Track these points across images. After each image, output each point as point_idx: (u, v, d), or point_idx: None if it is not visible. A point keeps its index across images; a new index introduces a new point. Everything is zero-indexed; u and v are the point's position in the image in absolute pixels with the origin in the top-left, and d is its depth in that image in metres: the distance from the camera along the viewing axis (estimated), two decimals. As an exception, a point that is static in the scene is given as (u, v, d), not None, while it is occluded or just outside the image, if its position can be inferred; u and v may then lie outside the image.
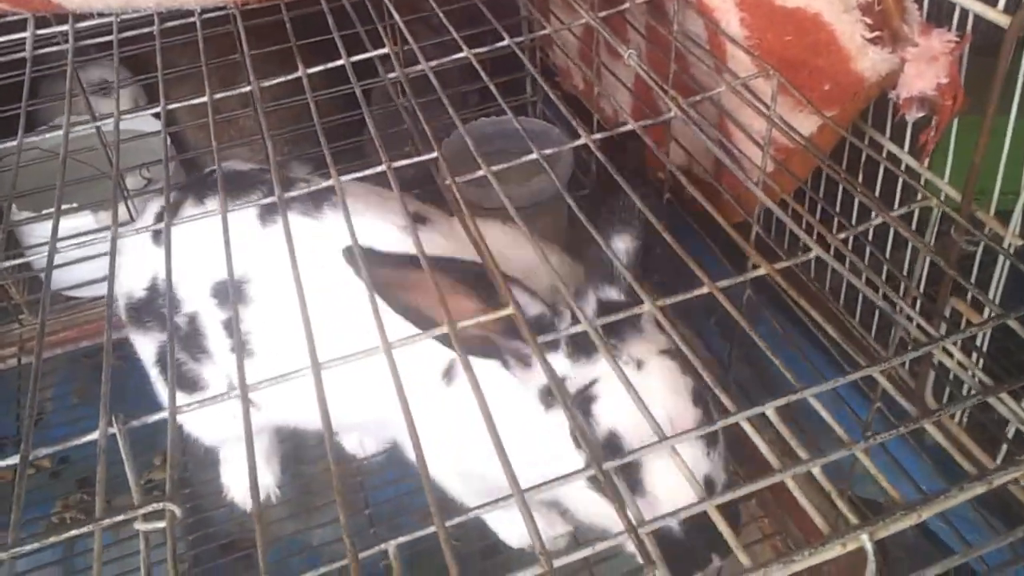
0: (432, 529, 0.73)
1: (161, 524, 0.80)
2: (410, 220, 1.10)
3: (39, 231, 2.34)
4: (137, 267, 1.64)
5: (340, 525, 0.72)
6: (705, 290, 0.97)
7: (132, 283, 1.66)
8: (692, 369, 1.21)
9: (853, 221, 1.07)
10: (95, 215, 2.29)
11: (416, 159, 1.22)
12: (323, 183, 1.59)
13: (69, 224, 2.25)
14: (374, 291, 1.01)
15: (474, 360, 1.06)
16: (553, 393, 1.23)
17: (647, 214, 1.17)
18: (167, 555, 0.78)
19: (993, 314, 0.85)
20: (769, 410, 0.82)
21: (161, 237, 1.55)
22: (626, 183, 1.26)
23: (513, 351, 1.25)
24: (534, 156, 1.25)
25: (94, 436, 0.89)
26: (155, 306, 1.63)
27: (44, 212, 2.28)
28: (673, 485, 1.15)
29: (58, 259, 2.42)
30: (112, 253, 1.20)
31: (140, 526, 0.80)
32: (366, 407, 1.39)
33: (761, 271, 0.99)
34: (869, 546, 0.72)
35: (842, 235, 1.00)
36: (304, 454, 2.13)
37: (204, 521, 2.01)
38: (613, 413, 1.19)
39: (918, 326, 0.88)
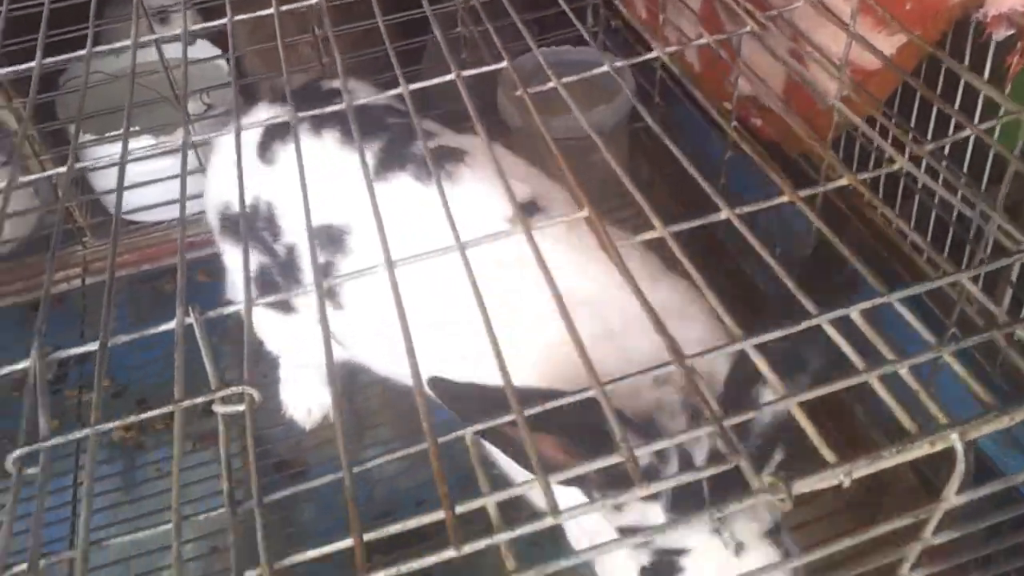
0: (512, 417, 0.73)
1: (240, 407, 0.81)
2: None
3: (101, 154, 2.37)
4: (229, 179, 1.62)
5: (392, 449, 0.71)
6: (785, 198, 0.95)
7: (232, 195, 1.63)
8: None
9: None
10: (156, 139, 2.31)
11: (484, 68, 1.20)
12: (451, 141, 1.54)
13: (131, 148, 2.28)
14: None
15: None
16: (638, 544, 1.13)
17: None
18: (246, 438, 0.79)
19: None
20: (854, 313, 0.80)
21: (267, 155, 1.58)
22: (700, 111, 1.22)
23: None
24: (599, 74, 1.22)
25: (171, 325, 0.90)
26: (256, 226, 1.60)
27: (108, 135, 2.31)
28: None
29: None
30: (183, 168, 1.20)
31: (218, 409, 0.81)
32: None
33: (843, 181, 0.96)
34: (959, 445, 0.70)
35: (929, 146, 0.97)
36: (356, 381, 2.16)
37: (258, 441, 2.06)
38: None
39: (1005, 233, 0.85)
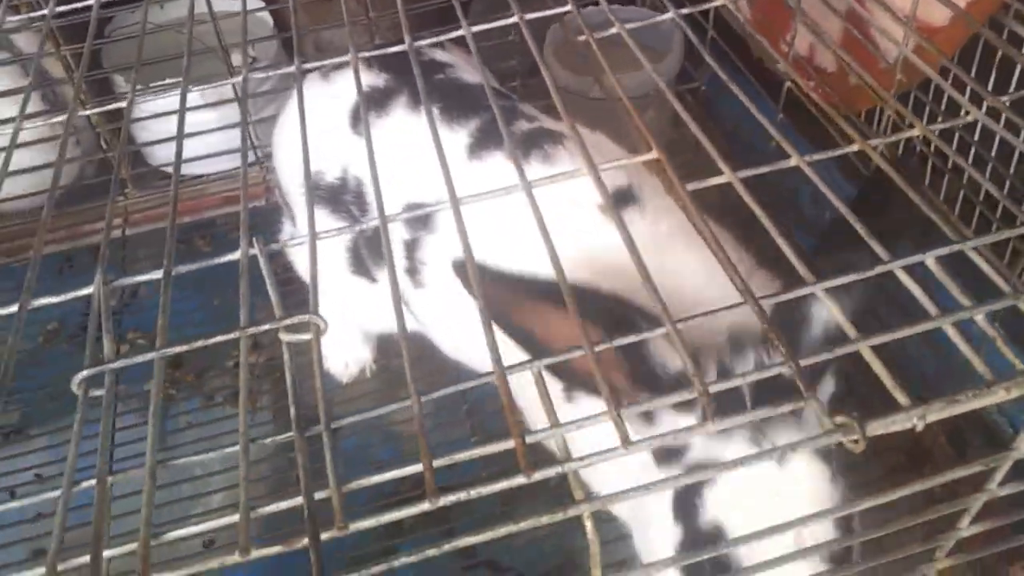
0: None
1: (307, 336, 0.81)
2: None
3: (146, 105, 2.38)
4: (329, 149, 1.56)
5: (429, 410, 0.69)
6: (856, 147, 0.94)
7: (320, 163, 1.57)
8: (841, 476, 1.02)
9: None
10: (201, 92, 2.32)
11: (549, 12, 1.18)
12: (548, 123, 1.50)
13: (170, 101, 2.28)
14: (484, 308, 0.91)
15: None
16: (669, 456, 1.09)
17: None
18: (314, 367, 0.79)
19: None
20: (929, 260, 0.79)
21: (360, 126, 1.52)
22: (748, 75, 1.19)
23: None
24: (647, 35, 1.19)
25: (236, 255, 0.91)
26: (344, 198, 1.56)
27: (153, 85, 2.31)
28: None
29: (161, 134, 2.47)
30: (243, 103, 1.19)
31: (284, 336, 0.82)
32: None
33: (915, 131, 0.94)
34: (1036, 392, 0.69)
35: (1005, 97, 0.95)
36: (389, 348, 2.15)
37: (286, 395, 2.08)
38: (725, 507, 1.00)
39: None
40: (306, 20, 2.45)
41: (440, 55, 1.64)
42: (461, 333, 1.49)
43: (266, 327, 0.82)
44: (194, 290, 2.36)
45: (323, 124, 1.52)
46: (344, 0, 2.01)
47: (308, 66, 1.27)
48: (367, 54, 1.17)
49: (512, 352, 1.14)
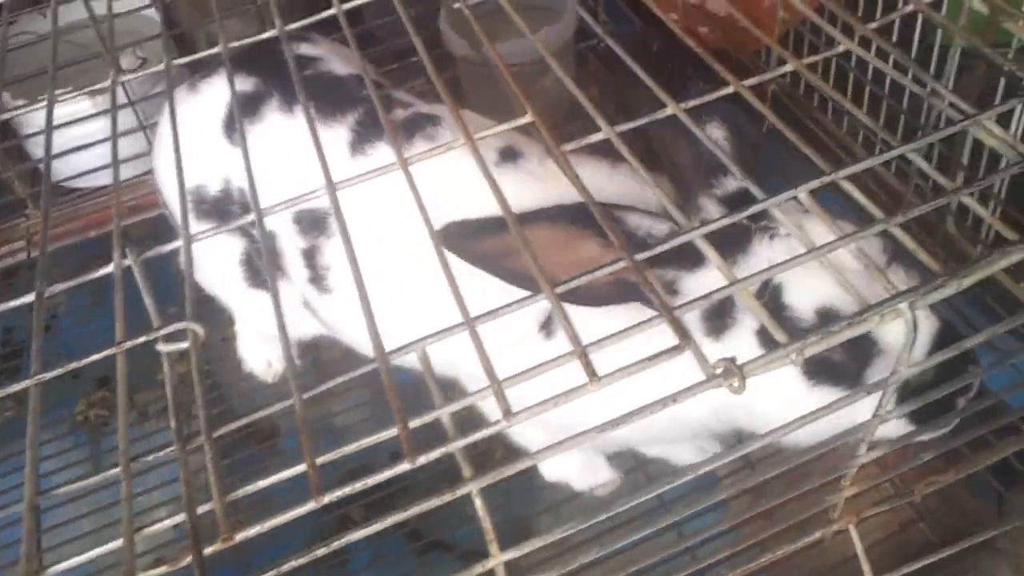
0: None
1: (184, 344, 0.79)
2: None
3: (36, 120, 2.29)
4: (205, 161, 1.50)
5: (362, 409, 0.68)
6: (731, 89, 0.93)
7: (199, 177, 1.52)
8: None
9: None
10: (92, 99, 2.23)
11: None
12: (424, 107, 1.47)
13: (65, 111, 2.20)
14: (479, 267, 0.95)
15: (613, 311, 0.98)
16: (718, 312, 1.12)
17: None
18: (193, 375, 0.77)
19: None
20: (802, 194, 0.79)
21: (235, 136, 1.46)
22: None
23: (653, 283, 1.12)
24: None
25: (109, 269, 0.87)
26: (231, 210, 1.49)
27: (40, 99, 2.22)
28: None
29: (57, 147, 2.38)
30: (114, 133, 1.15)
31: (162, 347, 0.79)
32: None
33: (789, 67, 0.94)
34: (908, 315, 0.70)
35: (874, 24, 0.95)
36: (322, 340, 2.11)
37: (220, 400, 2.04)
38: (809, 289, 1.04)
39: (952, 106, 0.84)
40: (193, 14, 2.37)
41: (306, 48, 1.57)
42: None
43: (142, 339, 0.80)
44: (109, 303, 2.28)
45: (198, 137, 1.47)
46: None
47: (179, 61, 1.23)
48: (236, 44, 1.13)
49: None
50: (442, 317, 0.74)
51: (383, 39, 2.28)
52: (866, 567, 0.92)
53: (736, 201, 1.17)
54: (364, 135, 1.40)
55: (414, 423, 0.68)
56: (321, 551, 0.64)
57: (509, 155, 1.38)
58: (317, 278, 1.44)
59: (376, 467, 0.66)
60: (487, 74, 2.08)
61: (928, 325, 1.02)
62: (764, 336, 1.09)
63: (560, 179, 1.18)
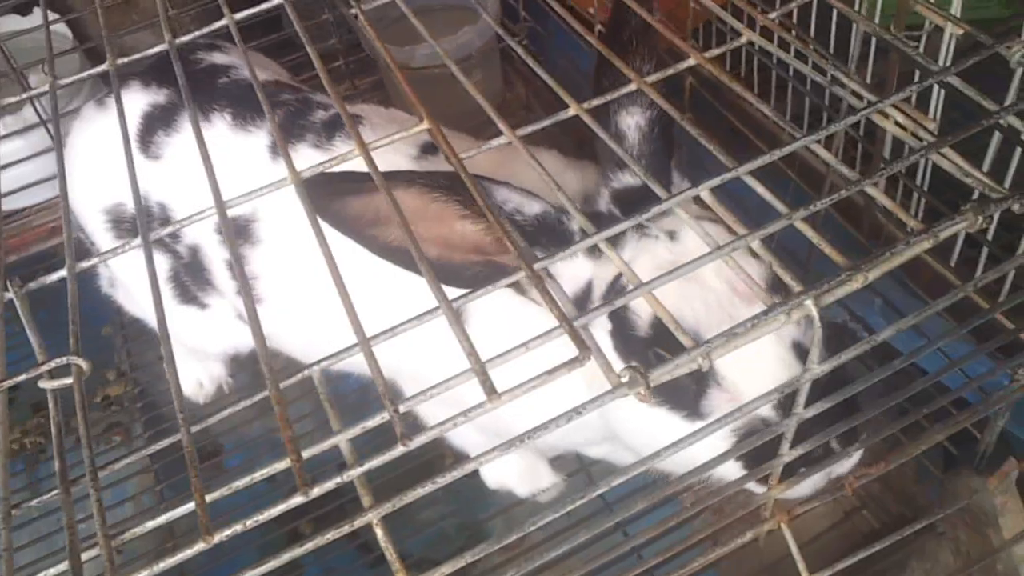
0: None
1: (68, 380, 0.74)
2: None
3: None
4: (120, 177, 1.47)
5: (307, 422, 0.65)
6: (634, 87, 0.91)
7: (116, 194, 1.49)
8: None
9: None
10: (2, 121, 2.16)
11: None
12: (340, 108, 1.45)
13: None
14: (345, 233, 0.90)
15: (488, 298, 0.96)
16: (582, 302, 1.11)
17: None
18: (77, 412, 0.73)
19: (927, 74, 0.80)
20: (704, 192, 0.77)
21: (151, 149, 1.43)
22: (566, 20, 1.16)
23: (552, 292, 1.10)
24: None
25: (-12, 303, 0.82)
26: (149, 226, 1.46)
27: (-54, 121, 2.14)
28: (753, 363, 0.96)
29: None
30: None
31: (45, 384, 0.75)
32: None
33: (691, 61, 0.92)
34: (814, 311, 0.68)
35: (774, 15, 0.94)
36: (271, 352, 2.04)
37: (160, 419, 1.98)
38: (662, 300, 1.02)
39: (856, 95, 0.83)
40: (103, 26, 2.30)
41: (219, 57, 1.55)
42: (312, 331, 1.43)
43: (22, 377, 0.75)
44: (49, 333, 2.21)
45: (111, 154, 1.41)
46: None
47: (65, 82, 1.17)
48: (126, 59, 1.08)
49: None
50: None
51: (301, 44, 2.24)
52: (801, 565, 0.90)
53: (633, 194, 1.15)
54: (283, 137, 1.36)
55: (307, 453, 0.65)
56: (268, 566, 0.60)
57: (431, 148, 1.37)
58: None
59: (325, 477, 0.63)
60: (411, 75, 2.04)
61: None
62: (618, 335, 1.07)
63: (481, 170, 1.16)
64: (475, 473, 1.69)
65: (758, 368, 0.96)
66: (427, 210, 0.99)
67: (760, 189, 0.77)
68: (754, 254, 1.02)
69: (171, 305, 1.56)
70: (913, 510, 1.37)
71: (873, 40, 1.38)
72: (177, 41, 1.08)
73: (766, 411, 0.96)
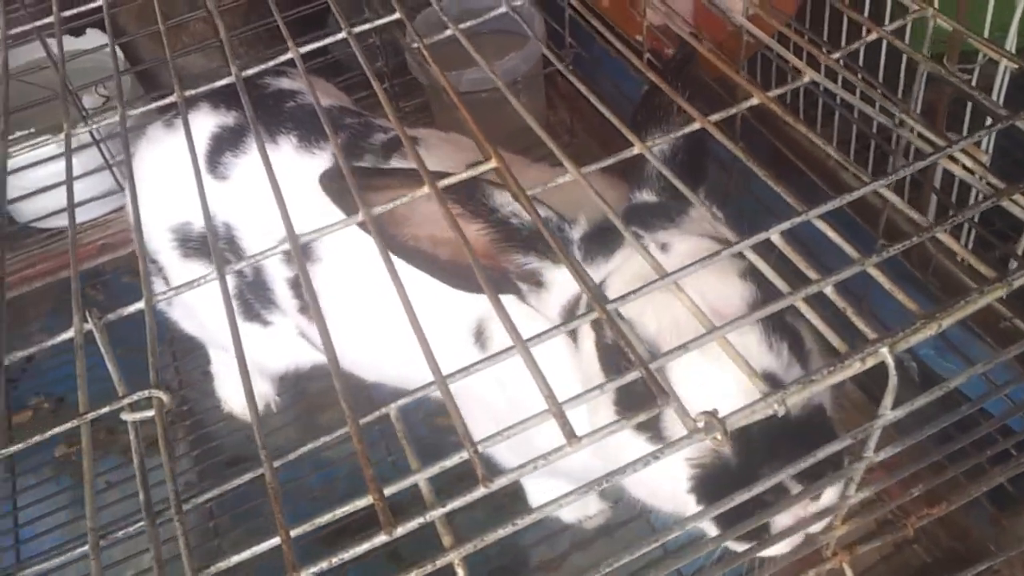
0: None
1: (149, 413, 0.76)
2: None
3: (-1, 162, 2.25)
4: (188, 196, 1.46)
5: (349, 438, 0.65)
6: (697, 126, 0.92)
7: (184, 213, 1.53)
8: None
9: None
10: (41, 139, 2.20)
11: (377, 22, 1.14)
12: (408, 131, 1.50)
13: (29, 154, 2.16)
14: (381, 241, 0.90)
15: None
16: (572, 310, 1.12)
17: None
18: (160, 443, 0.75)
19: (997, 119, 0.80)
20: (774, 235, 0.77)
21: (218, 170, 1.48)
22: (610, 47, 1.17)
23: (523, 274, 1.13)
24: (509, 22, 1.17)
25: (69, 334, 0.85)
26: (217, 246, 1.48)
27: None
28: (716, 388, 0.93)
29: (23, 190, 2.34)
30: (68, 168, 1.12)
31: (127, 416, 0.77)
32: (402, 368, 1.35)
33: (754, 100, 0.93)
34: (889, 359, 0.69)
35: (837, 55, 0.94)
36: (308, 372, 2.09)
37: (207, 438, 2.00)
38: (627, 307, 0.97)
39: (920, 136, 0.84)
40: (156, 49, 2.35)
41: (286, 83, 1.60)
42: (369, 351, 1.45)
43: (106, 409, 0.77)
44: (93, 344, 2.25)
45: (178, 174, 1.44)
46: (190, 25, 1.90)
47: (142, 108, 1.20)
48: (193, 92, 1.11)
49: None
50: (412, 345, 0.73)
51: (349, 67, 2.27)
52: (859, 603, 0.90)
53: (644, 210, 1.16)
54: (347, 159, 1.40)
55: (389, 491, 0.66)
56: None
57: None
58: (305, 307, 1.45)
59: (356, 495, 0.65)
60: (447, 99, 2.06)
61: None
62: (604, 352, 1.07)
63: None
64: (520, 496, 1.70)
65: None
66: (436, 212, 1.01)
67: (831, 234, 0.78)
68: (743, 275, 1.02)
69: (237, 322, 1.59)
70: (965, 544, 1.36)
71: (923, 80, 1.37)
72: (244, 73, 1.11)
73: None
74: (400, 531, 0.63)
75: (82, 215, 2.28)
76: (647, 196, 1.20)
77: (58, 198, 2.21)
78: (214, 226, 1.50)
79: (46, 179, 2.17)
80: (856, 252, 0.76)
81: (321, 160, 1.44)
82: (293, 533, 0.65)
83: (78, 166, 2.18)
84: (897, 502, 0.89)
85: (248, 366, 1.86)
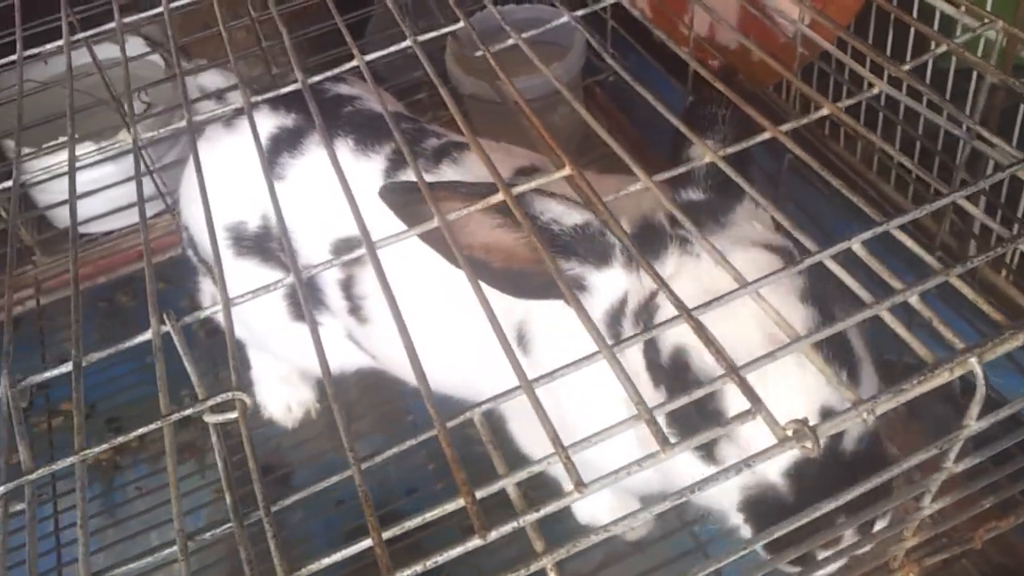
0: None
1: (232, 415, 0.77)
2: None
3: (39, 168, 2.28)
4: (244, 195, 1.51)
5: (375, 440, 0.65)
6: (768, 135, 0.92)
7: (238, 213, 1.54)
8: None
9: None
10: (97, 145, 2.22)
11: (441, 31, 1.15)
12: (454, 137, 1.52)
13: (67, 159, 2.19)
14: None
15: (539, 309, 0.95)
16: (616, 316, 1.12)
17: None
18: (244, 444, 0.75)
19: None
20: (856, 245, 0.78)
21: (276, 170, 1.48)
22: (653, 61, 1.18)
23: (568, 279, 1.12)
24: (549, 32, 1.18)
25: (147, 336, 0.86)
26: (270, 246, 1.52)
27: (45, 146, 2.21)
28: (787, 404, 0.91)
29: (63, 195, 2.36)
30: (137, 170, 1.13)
31: (209, 418, 0.77)
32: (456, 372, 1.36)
33: (824, 111, 0.94)
34: (978, 369, 0.69)
35: (906, 66, 0.94)
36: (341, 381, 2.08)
37: (238, 447, 2.00)
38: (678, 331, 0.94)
39: (989, 144, 0.84)
40: (200, 57, 2.37)
41: (344, 89, 1.62)
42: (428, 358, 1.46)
43: (189, 411, 0.78)
44: (126, 351, 2.26)
45: (236, 173, 1.47)
46: (231, 33, 1.92)
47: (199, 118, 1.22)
48: (258, 98, 1.12)
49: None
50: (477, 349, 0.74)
51: (386, 77, 2.29)
52: (924, 615, 0.90)
53: (690, 209, 1.15)
54: (399, 162, 1.45)
55: (481, 493, 0.66)
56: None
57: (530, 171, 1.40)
58: (355, 308, 1.45)
59: (394, 503, 0.65)
60: (494, 110, 2.08)
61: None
62: (654, 371, 1.07)
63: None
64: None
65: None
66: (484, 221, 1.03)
67: (910, 244, 0.78)
68: (804, 299, 1.00)
69: (285, 321, 1.61)
70: (1015, 560, 1.35)
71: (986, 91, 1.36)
72: (310, 80, 1.12)
73: None
74: (494, 535, 0.63)
75: (121, 221, 2.29)
76: (693, 194, 1.19)
77: (95, 204, 2.24)
78: (269, 226, 1.52)
79: (85, 185, 2.19)
80: (937, 263, 0.76)
81: (376, 164, 1.45)
82: (386, 535, 0.65)
83: (119, 172, 2.20)
84: (969, 513, 0.89)
85: (290, 369, 1.88)
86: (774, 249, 1.09)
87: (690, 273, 1.08)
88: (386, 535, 0.65)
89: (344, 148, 1.47)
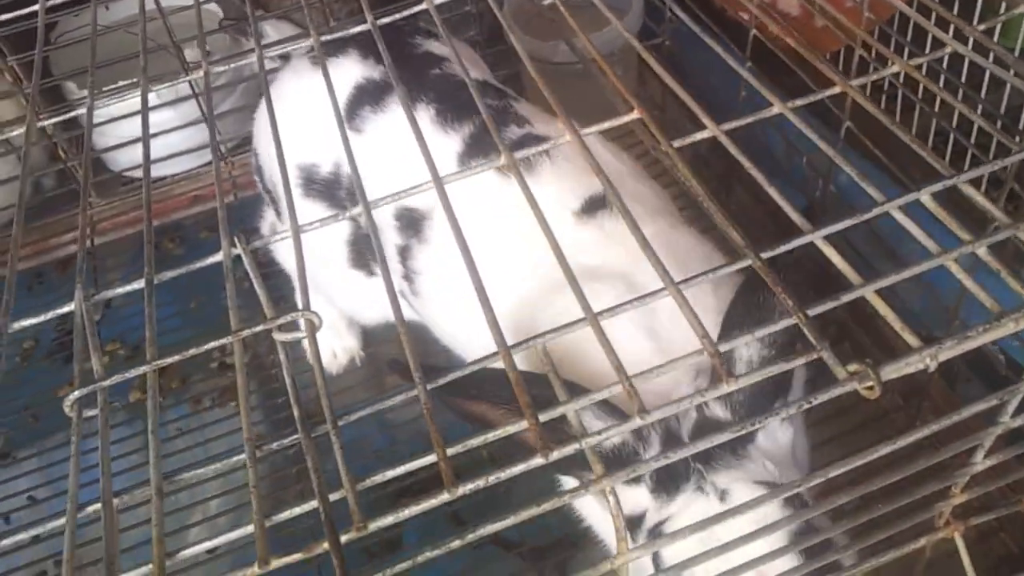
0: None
1: (301, 334, 0.79)
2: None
3: (101, 111, 2.31)
4: (319, 139, 1.47)
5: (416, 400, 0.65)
6: (838, 89, 0.92)
7: (312, 154, 1.51)
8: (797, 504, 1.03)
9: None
10: (157, 92, 2.25)
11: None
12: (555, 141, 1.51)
13: (129, 103, 2.22)
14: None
15: None
16: (635, 528, 1.13)
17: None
18: (313, 365, 0.77)
19: None
20: (925, 196, 0.78)
21: (355, 122, 1.44)
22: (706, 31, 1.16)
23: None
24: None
25: (218, 257, 0.88)
26: (339, 194, 1.49)
27: (107, 88, 2.25)
28: None
29: (120, 138, 2.40)
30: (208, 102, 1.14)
31: (278, 336, 0.79)
32: None
33: (895, 68, 0.93)
34: (1045, 322, 0.69)
35: (982, 26, 0.94)
36: (373, 336, 2.12)
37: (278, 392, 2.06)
38: (680, 554, 0.90)
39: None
40: (257, 6, 2.39)
41: (436, 47, 1.56)
42: (461, 330, 1.47)
43: (260, 328, 0.80)
44: (168, 294, 2.31)
45: (316, 115, 1.42)
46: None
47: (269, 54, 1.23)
48: (328, 37, 1.13)
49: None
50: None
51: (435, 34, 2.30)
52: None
53: (713, 428, 1.09)
54: (474, 149, 1.38)
55: (544, 416, 0.68)
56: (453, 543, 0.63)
57: (591, 206, 1.34)
58: (408, 278, 1.44)
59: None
60: (551, 70, 2.08)
61: None
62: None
63: (623, 245, 1.22)
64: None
65: None
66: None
67: (979, 198, 0.78)
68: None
69: (343, 267, 1.61)
70: (1055, 537, 1.35)
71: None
72: (380, 22, 1.13)
73: None
74: (556, 455, 0.65)
75: (175, 167, 2.34)
76: (721, 412, 1.14)
77: (152, 148, 2.28)
78: (340, 174, 1.50)
79: (138, 130, 2.22)
80: (1002, 217, 0.76)
81: (452, 143, 1.40)
82: (450, 452, 0.67)
83: (176, 118, 2.24)
84: (1017, 475, 0.89)
85: (339, 316, 1.89)
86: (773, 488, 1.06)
87: (693, 512, 1.08)
88: (450, 451, 0.67)
89: (425, 116, 1.41)
